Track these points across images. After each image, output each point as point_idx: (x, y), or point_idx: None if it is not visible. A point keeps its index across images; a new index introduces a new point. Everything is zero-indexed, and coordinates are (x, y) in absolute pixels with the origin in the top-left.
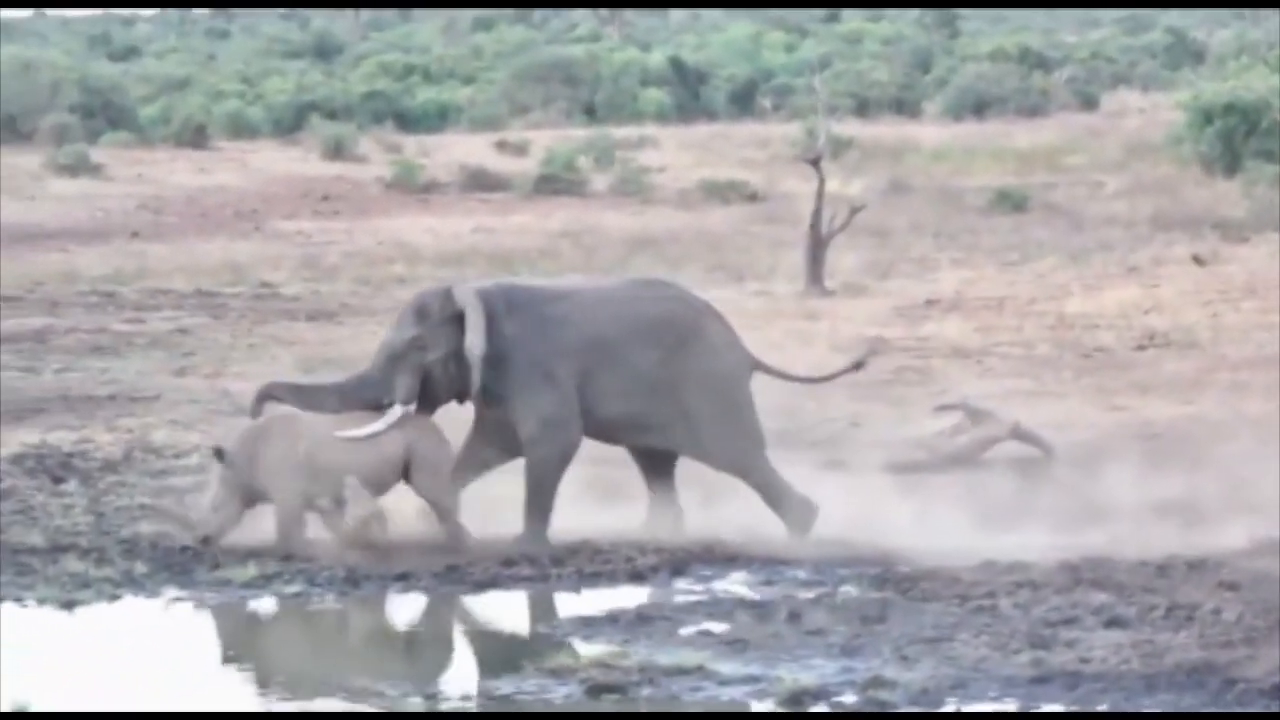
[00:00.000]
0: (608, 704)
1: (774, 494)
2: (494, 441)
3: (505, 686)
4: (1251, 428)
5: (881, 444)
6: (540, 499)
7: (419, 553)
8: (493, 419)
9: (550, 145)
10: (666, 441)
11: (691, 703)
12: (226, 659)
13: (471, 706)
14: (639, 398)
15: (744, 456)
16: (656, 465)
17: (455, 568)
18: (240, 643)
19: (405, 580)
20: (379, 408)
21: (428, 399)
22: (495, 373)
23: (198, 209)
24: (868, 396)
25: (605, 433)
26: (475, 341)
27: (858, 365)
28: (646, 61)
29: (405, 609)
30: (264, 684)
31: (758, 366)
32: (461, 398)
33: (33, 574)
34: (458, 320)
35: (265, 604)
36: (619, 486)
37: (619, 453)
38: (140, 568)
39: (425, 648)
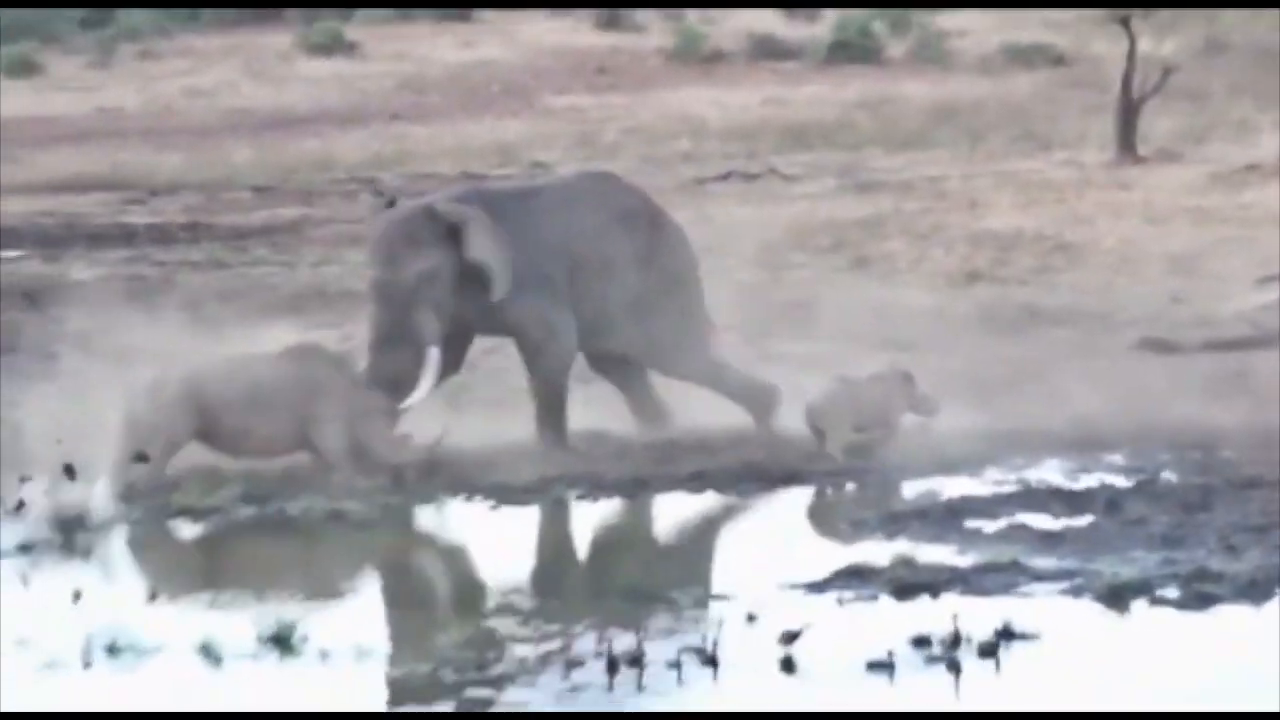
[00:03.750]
0: (920, 604)
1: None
2: (453, 362)
3: (807, 589)
4: None
5: (1203, 320)
6: (559, 407)
7: (711, 451)
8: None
9: (843, 10)
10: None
11: (1005, 601)
12: (511, 564)
13: (767, 611)
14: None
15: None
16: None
17: (752, 465)
18: (522, 548)
19: (698, 480)
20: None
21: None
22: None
23: (462, 87)
24: (1187, 270)
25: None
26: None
27: None
28: None
29: (699, 509)
30: (551, 587)
31: None
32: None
33: (300, 481)
34: (453, 237)
35: (548, 508)
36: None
37: None
38: (410, 473)
39: (719, 549)
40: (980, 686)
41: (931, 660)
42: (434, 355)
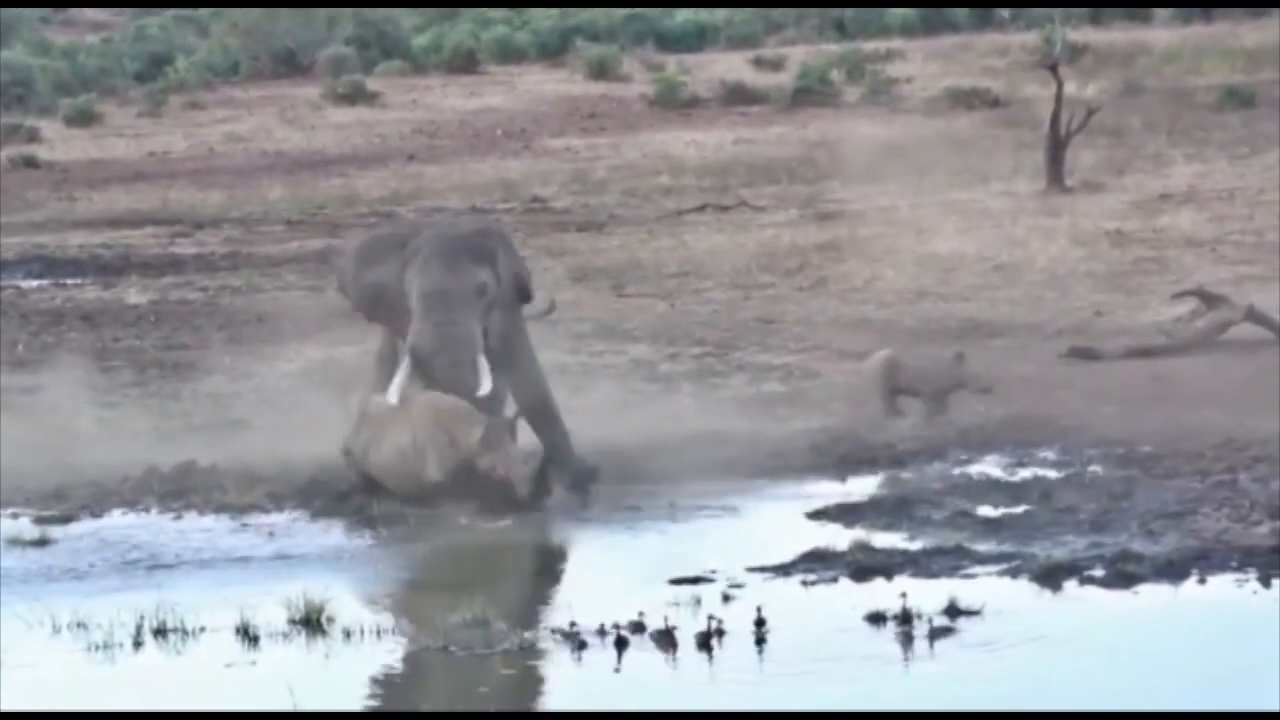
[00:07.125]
0: (874, 587)
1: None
2: None
3: (773, 571)
4: None
5: (1123, 330)
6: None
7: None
8: None
9: (804, 60)
10: None
11: (951, 581)
12: (517, 555)
13: (741, 591)
14: None
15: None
16: None
17: (728, 462)
18: (535, 539)
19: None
20: None
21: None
22: None
23: (470, 131)
24: (1109, 287)
25: None
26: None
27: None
28: None
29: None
30: (557, 575)
31: None
32: None
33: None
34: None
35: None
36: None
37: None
38: None
39: (686, 538)
40: (929, 658)
41: (886, 636)
42: (482, 363)
